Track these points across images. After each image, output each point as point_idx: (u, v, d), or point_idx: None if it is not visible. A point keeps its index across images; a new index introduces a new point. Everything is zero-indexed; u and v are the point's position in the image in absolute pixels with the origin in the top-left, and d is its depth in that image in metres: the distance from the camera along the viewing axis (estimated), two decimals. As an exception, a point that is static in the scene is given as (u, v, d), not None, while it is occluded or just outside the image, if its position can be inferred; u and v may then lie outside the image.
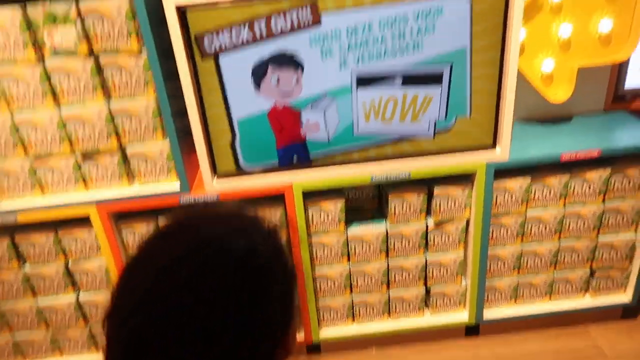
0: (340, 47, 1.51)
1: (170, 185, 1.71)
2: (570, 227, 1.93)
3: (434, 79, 1.58)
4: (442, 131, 1.67)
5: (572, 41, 1.73)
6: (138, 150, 1.65)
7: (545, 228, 1.93)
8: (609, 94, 1.98)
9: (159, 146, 1.65)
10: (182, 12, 1.44)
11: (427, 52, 1.53)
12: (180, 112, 1.62)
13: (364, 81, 1.57)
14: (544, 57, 1.75)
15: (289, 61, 1.52)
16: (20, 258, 1.85)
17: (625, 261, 2.01)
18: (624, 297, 2.08)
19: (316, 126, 1.62)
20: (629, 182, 1.85)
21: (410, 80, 1.57)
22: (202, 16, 1.45)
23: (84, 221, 1.76)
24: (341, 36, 1.50)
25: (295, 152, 1.68)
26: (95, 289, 1.91)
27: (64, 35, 1.45)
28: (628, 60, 1.83)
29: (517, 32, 1.50)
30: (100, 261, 1.85)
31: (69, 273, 1.87)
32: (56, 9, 1.42)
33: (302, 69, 1.53)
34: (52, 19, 1.43)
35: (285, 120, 1.61)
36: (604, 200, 1.89)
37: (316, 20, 1.47)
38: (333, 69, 1.54)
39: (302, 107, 1.60)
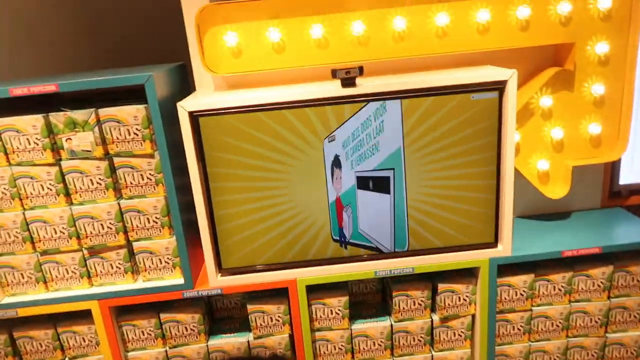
0: (348, 151, 1.60)
1: (174, 280, 1.73)
2: (578, 324, 1.92)
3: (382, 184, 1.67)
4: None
5: (564, 142, 1.83)
6: (144, 246, 1.69)
7: (552, 324, 1.92)
8: (605, 191, 2.05)
9: (165, 242, 1.69)
10: (194, 117, 1.54)
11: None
12: (186, 206, 1.68)
13: (361, 183, 1.65)
14: (539, 157, 1.84)
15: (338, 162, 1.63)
16: (17, 354, 1.82)
17: (637, 359, 1.97)
18: (639, 397, 2.02)
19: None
20: (633, 279, 1.86)
21: (364, 182, 1.65)
22: (213, 121, 1.55)
23: (84, 315, 1.76)
24: (350, 141, 1.59)
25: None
26: (90, 387, 1.86)
27: (82, 140, 1.54)
28: (620, 158, 1.91)
29: (512, 135, 1.60)
30: (98, 358, 1.82)
31: (65, 370, 1.84)
32: (77, 115, 1.53)
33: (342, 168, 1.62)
34: (72, 125, 1.53)
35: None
36: (609, 297, 1.89)
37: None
38: (349, 170, 1.64)
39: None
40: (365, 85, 1.55)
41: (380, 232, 1.71)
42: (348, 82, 1.54)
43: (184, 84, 1.91)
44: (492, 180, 1.68)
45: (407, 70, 1.80)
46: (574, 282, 1.87)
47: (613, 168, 2.01)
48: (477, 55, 1.78)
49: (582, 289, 1.87)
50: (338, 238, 1.72)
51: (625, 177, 2.02)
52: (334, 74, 1.53)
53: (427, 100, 1.56)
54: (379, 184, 1.66)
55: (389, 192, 1.66)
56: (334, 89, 1.55)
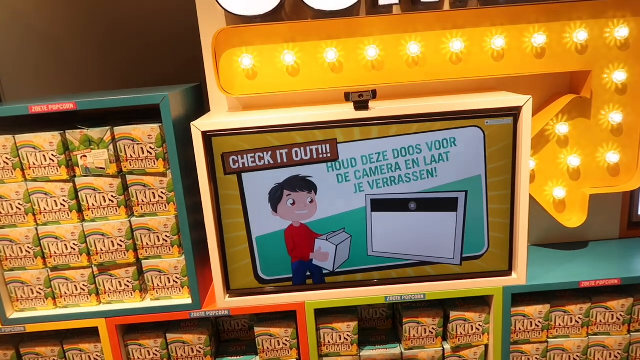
0: (356, 173, 1.60)
1: (181, 300, 1.73)
2: (597, 358, 1.86)
3: (448, 204, 1.64)
4: (471, 259, 1.70)
5: (581, 170, 1.81)
6: (154, 264, 1.70)
7: (570, 358, 1.86)
8: (624, 221, 2.01)
9: (175, 261, 1.70)
10: (207, 137, 1.56)
11: (441, 179, 1.61)
12: (197, 225, 1.69)
13: (378, 204, 1.64)
14: (555, 184, 1.82)
15: (302, 183, 1.61)
16: (23, 371, 1.83)
17: (658, 397, 1.90)
18: None
19: (325, 256, 1.68)
20: (654, 312, 1.81)
21: (425, 205, 1.64)
22: (226, 141, 1.57)
23: (91, 333, 1.77)
24: (356, 163, 1.59)
25: (309, 268, 1.71)
26: (94, 407, 1.85)
27: (97, 157, 1.57)
28: (637, 188, 1.88)
29: (527, 161, 1.59)
30: (103, 377, 1.82)
31: (69, 389, 1.84)
32: (93, 133, 1.56)
33: (316, 191, 1.62)
34: (88, 143, 1.56)
35: (299, 239, 1.67)
36: (629, 331, 1.84)
37: (334, 157, 1.59)
38: (349, 192, 1.62)
39: (319, 231, 1.66)
40: (378, 108, 1.56)
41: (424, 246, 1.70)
42: (361, 105, 1.55)
43: (199, 104, 1.95)
44: (507, 211, 1.66)
45: (420, 95, 1.81)
46: (592, 314, 1.82)
47: (632, 198, 1.97)
48: (492, 82, 1.79)
49: (601, 321, 1.82)
50: (291, 276, 1.71)
51: (645, 207, 1.98)
52: (347, 96, 1.55)
53: (439, 124, 1.57)
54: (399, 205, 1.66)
55: (455, 210, 1.66)
56: (347, 112, 1.56)
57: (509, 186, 1.64)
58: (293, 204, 1.63)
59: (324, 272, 1.71)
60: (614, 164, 1.79)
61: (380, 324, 1.99)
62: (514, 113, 1.56)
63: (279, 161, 1.59)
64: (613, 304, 1.80)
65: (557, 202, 1.85)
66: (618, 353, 1.85)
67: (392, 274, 1.72)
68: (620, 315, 1.81)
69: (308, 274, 1.71)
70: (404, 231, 1.67)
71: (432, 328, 1.82)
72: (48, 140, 1.56)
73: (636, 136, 1.76)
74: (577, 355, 1.86)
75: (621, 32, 1.66)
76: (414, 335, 1.83)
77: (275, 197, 1.62)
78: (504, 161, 1.61)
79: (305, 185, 1.62)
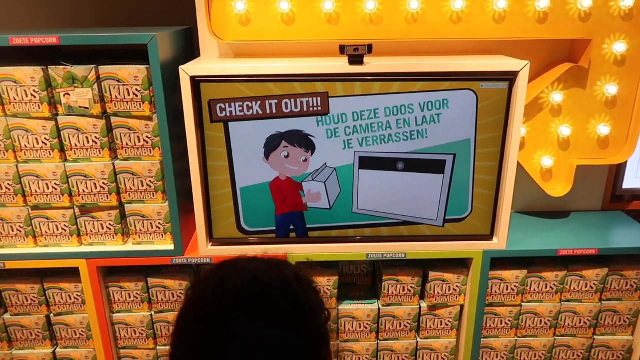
0: (346, 129, 1.59)
1: (164, 246, 1.74)
2: (566, 324, 1.94)
3: (436, 166, 1.65)
4: (453, 222, 1.72)
5: (571, 141, 1.82)
6: (137, 209, 1.70)
7: (541, 322, 1.93)
8: (607, 194, 2.04)
9: (158, 207, 1.69)
10: (196, 82, 1.53)
11: (431, 140, 1.61)
12: (182, 173, 1.68)
13: (366, 162, 1.64)
14: (544, 153, 1.84)
15: (302, 140, 1.60)
16: (2, 305, 1.85)
17: (621, 363, 1.99)
18: (620, 401, 2.05)
19: (317, 196, 1.68)
20: (627, 283, 1.87)
21: (413, 165, 1.64)
22: (215, 88, 1.54)
23: (71, 273, 1.78)
24: (347, 119, 1.58)
25: (292, 222, 1.72)
26: (74, 345, 1.89)
27: (80, 96, 1.53)
28: (626, 161, 1.90)
29: (518, 129, 1.59)
30: (83, 317, 1.85)
31: (49, 325, 1.87)
32: (77, 71, 1.51)
33: (313, 151, 1.61)
34: (71, 81, 1.52)
35: (287, 190, 1.67)
36: (600, 300, 1.90)
37: (325, 111, 1.56)
38: (337, 148, 1.62)
39: (302, 180, 1.66)
40: (373, 64, 1.53)
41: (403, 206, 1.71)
42: (356, 59, 1.52)
43: (189, 49, 1.89)
44: (494, 176, 1.67)
45: (417, 53, 1.77)
46: (566, 281, 1.87)
47: (618, 171, 2.00)
48: (490, 45, 1.76)
49: (575, 289, 1.88)
50: (274, 229, 1.72)
51: (629, 182, 2.01)
52: (342, 49, 1.52)
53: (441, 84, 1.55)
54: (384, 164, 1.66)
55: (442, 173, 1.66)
56: (341, 65, 1.53)
57: (497, 152, 1.64)
58: (287, 156, 1.62)
59: (308, 226, 1.73)
60: (604, 136, 1.80)
61: (360, 280, 2.03)
62: (510, 78, 1.54)
63: (268, 112, 1.57)
64: (588, 273, 1.86)
65: (544, 170, 1.87)
66: (587, 319, 1.92)
67: (374, 232, 1.75)
68: (594, 284, 1.87)
69: (292, 227, 1.73)
70: (389, 190, 1.68)
71: (411, 287, 1.86)
72: (29, 75, 1.52)
73: (629, 110, 1.77)
74: (548, 320, 1.93)
75: (626, 1, 1.63)
76: (392, 293, 1.87)
77: (271, 145, 1.61)
78: (495, 126, 1.61)
79: (305, 142, 1.60)
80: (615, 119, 1.79)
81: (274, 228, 1.72)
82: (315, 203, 1.69)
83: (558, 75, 1.71)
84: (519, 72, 1.52)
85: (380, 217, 1.72)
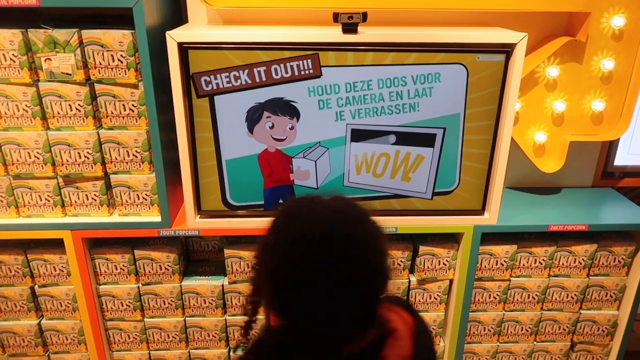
0: (338, 100, 1.57)
1: (150, 218, 1.72)
2: (554, 298, 1.97)
3: (427, 140, 1.64)
4: (441, 194, 1.73)
5: (565, 116, 1.82)
6: (122, 179, 1.67)
7: (529, 296, 1.97)
8: (598, 170, 2.06)
9: (145, 178, 1.67)
10: (183, 49, 1.49)
11: (422, 114, 1.60)
12: (168, 144, 1.66)
13: (358, 135, 1.63)
14: (537, 128, 1.83)
15: (285, 108, 1.58)
16: (-15, 277, 1.84)
17: (606, 337, 2.04)
18: (603, 374, 2.11)
19: (306, 174, 1.67)
20: (614, 259, 1.91)
21: (404, 138, 1.63)
22: (203, 55, 1.50)
23: (56, 244, 1.76)
24: (340, 90, 1.56)
25: (281, 195, 1.71)
26: (59, 316, 1.89)
27: (62, 61, 1.49)
28: (618, 138, 1.91)
29: (513, 103, 1.58)
30: (69, 288, 1.84)
31: (34, 297, 1.86)
32: (58, 35, 1.47)
33: (298, 117, 1.59)
34: (52, 45, 1.47)
35: (275, 164, 1.66)
36: (588, 275, 1.94)
37: (317, 73, 1.53)
38: (329, 120, 1.60)
39: (294, 155, 1.65)
40: (367, 33, 1.50)
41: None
42: (350, 27, 1.49)
43: (176, 16, 1.84)
44: (487, 150, 1.67)
45: (413, 24, 1.74)
46: (555, 256, 1.90)
47: (609, 148, 2.01)
48: (487, 16, 1.73)
49: (563, 264, 1.91)
50: (262, 203, 1.70)
51: (620, 159, 2.02)
52: (336, 17, 1.48)
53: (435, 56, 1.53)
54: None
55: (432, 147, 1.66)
56: (334, 34, 1.50)
57: (492, 125, 1.64)
58: (272, 127, 1.60)
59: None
60: (598, 112, 1.80)
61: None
62: (507, 50, 1.52)
63: (257, 80, 1.54)
64: (577, 249, 1.88)
65: (536, 146, 1.87)
66: (575, 294, 1.96)
67: (365, 206, 1.74)
68: (583, 259, 1.90)
69: (281, 201, 1.72)
70: (380, 164, 1.68)
71: (401, 260, 1.88)
72: (8, 38, 1.47)
73: (624, 86, 1.76)
74: (536, 294, 1.96)
75: (627, -28, 1.61)
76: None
77: (253, 117, 1.58)
78: (490, 100, 1.60)
79: (288, 110, 1.58)
80: (610, 95, 1.78)
81: (262, 202, 1.72)
82: (303, 181, 1.68)
83: (555, 49, 1.69)
84: (516, 44, 1.50)
85: (371, 191, 1.72)
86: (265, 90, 1.55)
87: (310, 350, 0.86)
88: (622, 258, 1.91)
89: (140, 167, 1.66)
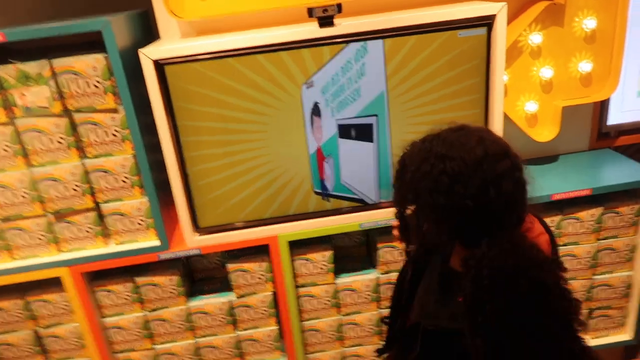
0: (329, 97, 1.56)
1: (148, 242, 1.70)
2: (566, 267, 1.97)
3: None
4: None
5: (553, 82, 1.81)
6: (114, 207, 1.65)
7: (540, 269, 1.96)
8: (593, 132, 2.06)
9: (137, 203, 1.65)
10: (159, 65, 1.47)
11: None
12: (158, 162, 1.64)
13: (344, 130, 1.62)
14: (527, 98, 1.83)
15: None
16: (-14, 327, 1.80)
17: (623, 299, 2.05)
18: (625, 335, 2.11)
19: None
20: (621, 220, 1.91)
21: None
22: (181, 70, 1.48)
23: (54, 283, 1.73)
24: (329, 87, 1.55)
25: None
26: (67, 356, 1.86)
27: (37, 95, 1.46)
28: (609, 97, 1.91)
29: (501, 74, 1.57)
30: (73, 326, 1.81)
31: (38, 340, 1.83)
32: (29, 68, 1.44)
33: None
34: (24, 79, 1.45)
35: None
36: (597, 239, 1.94)
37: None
38: (329, 117, 1.60)
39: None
40: (344, 24, 1.49)
41: (364, 183, 1.70)
42: (326, 21, 1.48)
43: (147, 33, 1.82)
44: (480, 121, 1.66)
45: (388, 9, 1.73)
46: (562, 225, 1.90)
47: (602, 108, 2.01)
48: (463, -10, 1.73)
49: (571, 232, 1.91)
50: (320, 191, 1.70)
51: (614, 118, 2.03)
52: (310, 12, 1.47)
53: (411, 39, 1.52)
54: (362, 132, 1.63)
55: (371, 140, 1.64)
56: (311, 29, 1.49)
57: (482, 105, 1.63)
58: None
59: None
60: (586, 73, 1.80)
61: (355, 252, 2.03)
62: (487, 22, 1.52)
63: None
64: (583, 214, 1.88)
65: (529, 116, 1.87)
66: (587, 261, 1.96)
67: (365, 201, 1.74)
68: (590, 224, 1.90)
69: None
70: (366, 163, 1.67)
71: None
72: (-23, 78, 1.44)
73: (609, 43, 1.76)
74: (548, 266, 1.96)
75: None
76: (389, 260, 1.88)
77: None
78: (477, 79, 1.59)
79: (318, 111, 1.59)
80: (596, 54, 1.78)
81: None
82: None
83: (535, 15, 1.69)
84: (496, 15, 1.50)
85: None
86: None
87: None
88: (629, 217, 1.91)
89: (131, 192, 1.63)
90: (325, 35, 1.49)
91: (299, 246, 1.82)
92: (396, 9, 1.72)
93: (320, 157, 1.65)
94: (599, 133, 2.07)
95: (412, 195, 0.98)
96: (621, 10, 1.72)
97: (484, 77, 1.60)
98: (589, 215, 1.89)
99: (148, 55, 1.45)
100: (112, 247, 1.71)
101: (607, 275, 2.00)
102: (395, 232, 1.43)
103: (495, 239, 0.90)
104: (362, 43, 1.50)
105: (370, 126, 1.62)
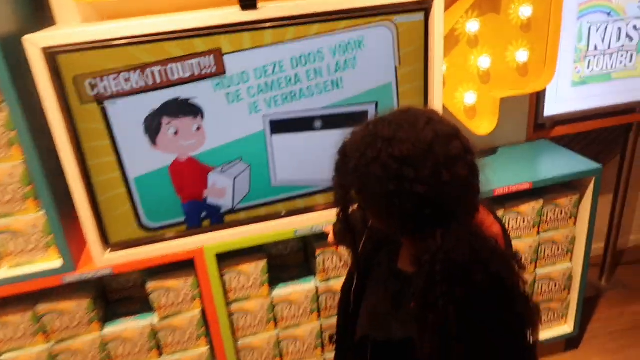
0: (249, 90, 1.40)
1: (49, 264, 1.46)
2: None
3: (358, 119, 1.50)
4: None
5: (491, 72, 1.76)
6: (4, 225, 1.40)
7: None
8: (530, 124, 2.04)
9: (32, 218, 1.41)
10: (50, 55, 1.25)
11: (348, 90, 1.46)
12: (57, 170, 1.40)
13: (279, 126, 1.46)
14: (465, 89, 1.76)
15: (185, 108, 1.38)
16: None
17: (564, 291, 2.04)
18: (566, 327, 2.11)
19: (222, 192, 1.49)
20: (561, 212, 1.89)
21: (332, 122, 1.49)
22: (78, 59, 1.27)
23: None
24: (249, 78, 1.38)
25: (204, 208, 1.52)
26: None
27: None
28: (545, 88, 1.89)
29: (440, 63, 1.49)
30: (-39, 367, 1.54)
31: None
32: None
33: (203, 115, 1.39)
34: None
35: (187, 176, 1.45)
36: (538, 232, 1.91)
37: (220, 71, 1.35)
38: (242, 114, 1.42)
39: (210, 163, 1.45)
40: (270, 7, 1.34)
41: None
42: (248, 2, 1.32)
43: (40, 20, 1.57)
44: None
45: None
46: (504, 220, 1.85)
47: (538, 98, 1.99)
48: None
49: (513, 227, 1.87)
50: (205, 215, 1.52)
51: (550, 108, 2.01)
52: (230, -6, 1.31)
53: (342, 24, 1.39)
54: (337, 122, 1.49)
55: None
56: (232, 13, 1.32)
57: (421, 93, 1.54)
58: (176, 133, 1.40)
59: (223, 210, 1.53)
60: (523, 63, 1.76)
61: (291, 259, 1.89)
62: (424, 7, 1.42)
63: (152, 82, 1.33)
64: (524, 208, 1.84)
65: (467, 108, 1.80)
66: (529, 255, 1.93)
67: (300, 204, 1.59)
68: (531, 218, 1.86)
69: (204, 214, 1.52)
70: (310, 154, 1.53)
71: (348, 257, 1.74)
72: None
73: (545, 32, 1.73)
74: (491, 264, 1.90)
75: None
76: (329, 266, 1.75)
77: (152, 127, 1.37)
78: (415, 65, 1.49)
79: (189, 109, 1.38)
80: (532, 43, 1.74)
81: (184, 219, 1.51)
82: (217, 199, 1.50)
83: (472, 1, 1.62)
84: (433, 0, 1.40)
85: (304, 187, 1.57)
86: (162, 93, 1.34)
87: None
88: (568, 209, 1.90)
89: (23, 206, 1.39)
90: (247, 20, 1.32)
91: (228, 258, 1.65)
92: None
93: (191, 169, 1.46)
94: (535, 124, 2.05)
95: (358, 186, 0.86)
96: (556, -1, 1.69)
97: (422, 65, 1.50)
98: (530, 208, 1.85)
99: (35, 42, 1.22)
100: (5, 272, 1.45)
101: (548, 269, 1.98)
102: (331, 239, 1.31)
103: (450, 230, 0.81)
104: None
105: (365, 113, 1.49)
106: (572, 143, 2.19)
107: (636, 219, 2.71)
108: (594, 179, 1.82)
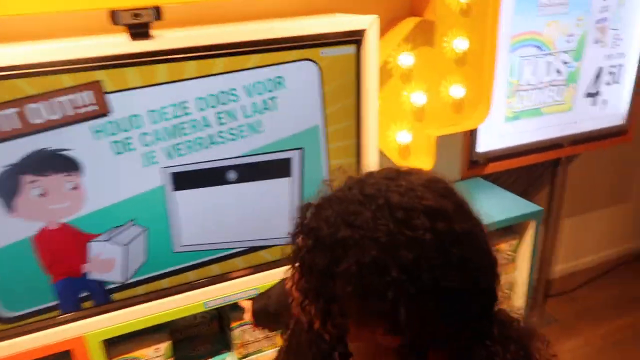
0: (142, 137, 1.11)
1: None
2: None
3: (280, 168, 1.27)
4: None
5: (425, 109, 1.60)
6: None
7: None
8: (464, 161, 1.91)
9: None
10: None
11: (269, 136, 1.23)
12: None
13: (183, 180, 1.19)
14: (399, 127, 1.60)
15: (54, 161, 1.07)
16: None
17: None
18: None
19: (109, 264, 1.18)
20: (501, 258, 1.76)
21: (248, 172, 1.24)
22: None
23: None
24: (142, 122, 1.10)
25: (82, 286, 1.20)
26: None
27: None
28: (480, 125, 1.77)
29: (374, 100, 1.30)
30: None
31: None
32: None
33: (80, 170, 1.09)
34: None
35: (61, 248, 1.13)
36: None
37: (103, 110, 1.06)
38: (134, 167, 1.13)
39: (92, 230, 1.14)
40: (166, 36, 1.07)
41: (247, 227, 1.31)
42: (139, 31, 1.05)
43: None
44: (352, 158, 1.37)
45: (226, 20, 1.34)
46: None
47: (472, 135, 1.87)
48: (319, 2, 1.42)
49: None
50: (57, 303, 1.19)
51: (483, 144, 1.90)
52: (116, 18, 1.03)
53: (253, 58, 1.16)
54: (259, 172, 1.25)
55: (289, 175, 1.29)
56: (118, 42, 1.04)
57: (353, 134, 1.34)
58: (43, 194, 1.08)
59: (111, 286, 1.22)
60: (458, 99, 1.62)
61: (204, 330, 1.59)
62: (357, 39, 1.22)
63: (9, 128, 1.01)
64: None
65: (401, 148, 1.63)
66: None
67: (212, 271, 1.32)
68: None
69: (84, 294, 1.20)
70: (223, 211, 1.27)
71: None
72: None
73: (480, 66, 1.61)
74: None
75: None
76: (249, 340, 1.48)
77: (8, 188, 1.05)
78: (345, 102, 1.30)
79: (60, 163, 1.07)
80: (467, 78, 1.61)
81: (56, 302, 1.18)
82: (102, 274, 1.19)
83: (405, 33, 1.45)
84: (366, 30, 1.21)
85: (213, 251, 1.30)
86: (17, 144, 1.02)
87: None
88: (508, 254, 1.79)
89: None
90: (137, 51, 1.05)
91: (120, 342, 1.33)
92: (237, 20, 1.34)
93: (65, 239, 1.14)
94: (469, 162, 1.93)
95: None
96: (491, 32, 1.57)
97: (353, 101, 1.31)
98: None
99: None
100: None
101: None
102: (248, 317, 1.06)
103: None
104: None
105: (288, 160, 1.26)
106: (500, 179, 2.11)
107: (562, 247, 2.70)
108: (535, 222, 1.72)
